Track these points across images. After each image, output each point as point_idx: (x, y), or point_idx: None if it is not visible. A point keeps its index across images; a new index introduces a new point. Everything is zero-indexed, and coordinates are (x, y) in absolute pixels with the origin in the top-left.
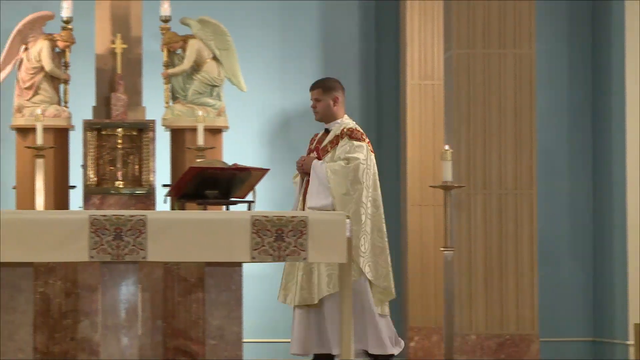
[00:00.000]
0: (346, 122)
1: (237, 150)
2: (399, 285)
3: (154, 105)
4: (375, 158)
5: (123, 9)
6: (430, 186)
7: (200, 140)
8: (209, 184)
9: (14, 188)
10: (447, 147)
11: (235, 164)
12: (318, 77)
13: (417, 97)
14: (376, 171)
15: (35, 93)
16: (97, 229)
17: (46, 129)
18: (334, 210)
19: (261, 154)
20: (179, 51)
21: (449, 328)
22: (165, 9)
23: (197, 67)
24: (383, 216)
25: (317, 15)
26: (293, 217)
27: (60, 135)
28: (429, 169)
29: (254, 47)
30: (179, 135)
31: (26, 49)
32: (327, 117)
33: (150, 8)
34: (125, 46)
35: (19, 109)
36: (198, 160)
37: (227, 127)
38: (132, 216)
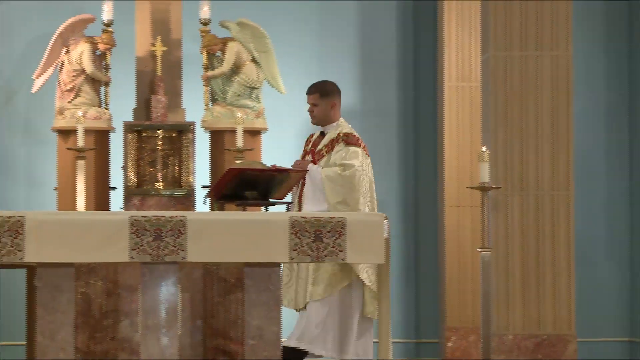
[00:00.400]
0: (342, 125)
1: (276, 151)
2: (437, 286)
3: (194, 107)
4: (414, 159)
5: (163, 12)
6: (468, 187)
7: (240, 141)
8: (248, 185)
9: (56, 189)
10: (484, 148)
11: (274, 166)
12: (356, 78)
13: (454, 99)
14: (372, 176)
15: (77, 95)
16: (138, 229)
17: (87, 131)
18: None
19: (300, 155)
20: (219, 54)
21: (486, 328)
22: (205, 12)
23: (236, 69)
24: None
25: (355, 17)
26: (331, 218)
27: (101, 137)
28: (466, 170)
29: (293, 49)
30: (218, 137)
31: (67, 51)
32: (324, 121)
33: (190, 11)
34: (165, 49)
35: (60, 111)
36: (237, 161)
37: (266, 129)
38: (172, 217)
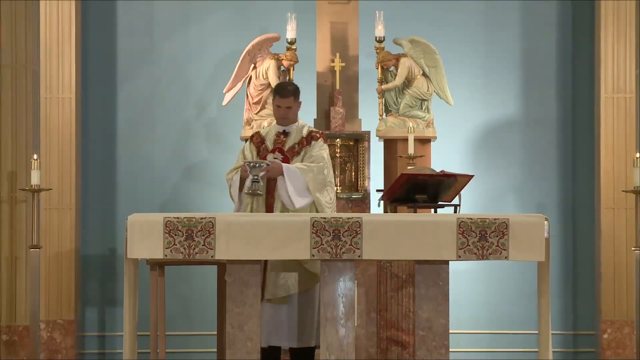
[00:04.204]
0: (303, 123)
1: (444, 158)
2: (593, 282)
3: (369, 117)
4: (572, 165)
5: (342, 31)
6: (623, 191)
7: (411, 149)
8: (419, 189)
9: None
10: (638, 154)
11: (442, 171)
12: (519, 91)
13: (610, 109)
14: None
15: (263, 107)
16: (318, 230)
17: None
18: (314, 207)
19: (466, 161)
20: (392, 68)
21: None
22: (380, 31)
23: (408, 83)
24: None
25: (517, 34)
26: (495, 219)
27: None
28: (621, 174)
29: (460, 64)
30: (391, 145)
31: (255, 67)
32: (292, 121)
33: (366, 29)
34: (343, 64)
35: (248, 122)
36: (409, 167)
37: (435, 137)
38: (349, 218)
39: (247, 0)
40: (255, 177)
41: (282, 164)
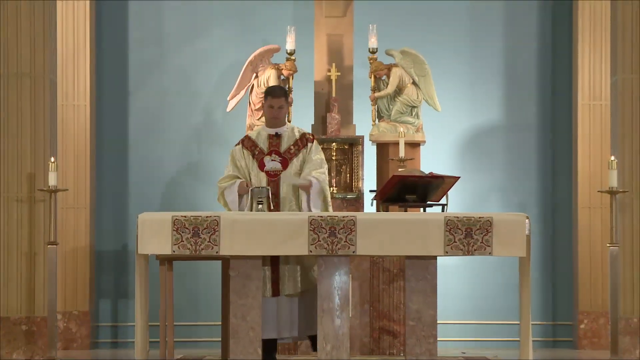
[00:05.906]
0: (293, 125)
1: (432, 161)
2: (571, 276)
3: (363, 123)
4: (551, 167)
5: (337, 43)
6: (598, 191)
7: (402, 152)
8: (409, 190)
9: None
10: (612, 157)
11: (431, 173)
12: (501, 98)
13: (587, 116)
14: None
15: (264, 114)
16: (315, 227)
17: None
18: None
19: (453, 164)
20: (384, 77)
21: (614, 312)
22: (373, 42)
23: (399, 91)
24: None
25: (500, 46)
26: (480, 217)
27: None
28: (597, 176)
29: (448, 74)
30: (383, 149)
31: (256, 76)
32: (283, 122)
33: (360, 41)
34: (339, 74)
35: (250, 127)
36: (400, 169)
37: (424, 142)
38: (344, 217)
39: (250, 12)
40: (260, 200)
41: (312, 180)
